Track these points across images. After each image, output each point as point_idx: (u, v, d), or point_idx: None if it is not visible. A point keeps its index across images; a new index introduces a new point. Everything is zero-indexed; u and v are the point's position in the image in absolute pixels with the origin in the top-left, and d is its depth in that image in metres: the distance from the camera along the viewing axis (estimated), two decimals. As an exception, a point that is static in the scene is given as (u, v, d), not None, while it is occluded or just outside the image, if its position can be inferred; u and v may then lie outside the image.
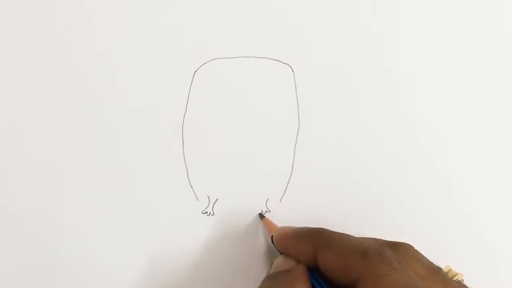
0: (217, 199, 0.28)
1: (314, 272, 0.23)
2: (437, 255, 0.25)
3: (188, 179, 0.28)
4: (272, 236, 0.26)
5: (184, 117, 0.28)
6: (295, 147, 0.29)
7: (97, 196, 0.28)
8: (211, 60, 0.29)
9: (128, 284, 0.28)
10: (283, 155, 0.29)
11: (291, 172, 0.29)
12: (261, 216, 0.28)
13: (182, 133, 0.28)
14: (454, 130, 0.30)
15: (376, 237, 0.24)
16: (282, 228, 0.26)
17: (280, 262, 0.25)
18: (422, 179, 0.30)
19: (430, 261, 0.22)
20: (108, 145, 0.28)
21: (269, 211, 0.29)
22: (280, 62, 0.29)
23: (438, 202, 0.30)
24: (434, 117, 0.30)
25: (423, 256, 0.23)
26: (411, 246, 0.23)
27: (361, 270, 0.20)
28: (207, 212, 0.28)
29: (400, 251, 0.22)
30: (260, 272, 0.28)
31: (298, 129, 0.29)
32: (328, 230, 0.24)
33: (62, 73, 0.28)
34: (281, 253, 0.25)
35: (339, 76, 0.29)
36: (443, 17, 0.30)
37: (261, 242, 0.29)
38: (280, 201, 0.29)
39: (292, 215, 0.29)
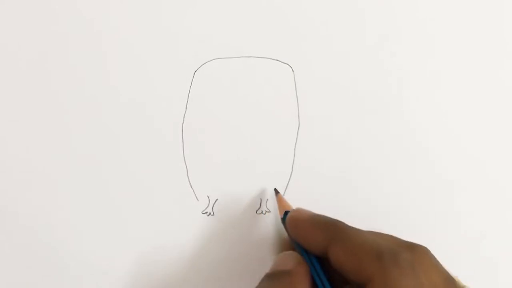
0: (217, 199, 0.29)
1: (318, 266, 0.23)
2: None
3: (188, 179, 0.28)
4: (283, 216, 0.26)
5: (184, 117, 0.28)
6: (295, 147, 0.29)
7: (97, 196, 0.28)
8: (211, 60, 0.29)
9: (128, 283, 0.28)
10: (283, 155, 0.29)
11: (291, 172, 0.29)
12: (276, 192, 0.28)
13: (182, 133, 0.28)
14: (454, 131, 0.30)
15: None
16: (298, 210, 0.25)
17: (281, 260, 0.24)
18: (422, 178, 0.30)
19: (445, 269, 0.21)
20: (108, 145, 0.28)
21: (269, 211, 0.29)
22: (280, 62, 0.29)
23: (437, 201, 0.30)
24: (434, 115, 0.30)
25: (439, 262, 0.22)
26: (428, 250, 0.22)
27: (373, 272, 0.20)
28: (207, 212, 0.28)
29: (417, 254, 0.21)
30: (259, 272, 0.28)
31: (298, 129, 0.29)
32: (344, 223, 0.23)
33: (62, 73, 0.28)
34: (289, 235, 0.25)
35: (339, 76, 0.29)
36: (443, 19, 0.30)
37: (261, 242, 0.29)
38: (280, 201, 0.29)
39: (292, 215, 0.29)
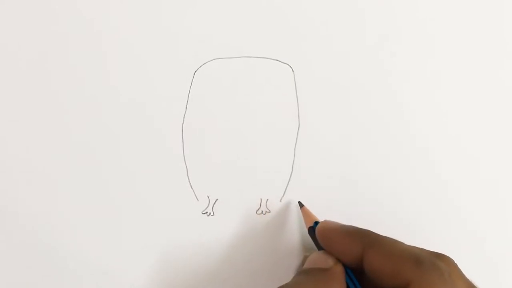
0: (217, 199, 0.28)
1: (350, 272, 0.23)
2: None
3: (188, 179, 0.28)
4: (310, 227, 0.26)
5: (184, 117, 0.28)
6: (295, 147, 0.29)
7: (97, 196, 0.28)
8: (211, 60, 0.29)
9: (128, 283, 0.28)
10: (283, 155, 0.29)
11: (291, 172, 0.29)
12: (301, 204, 0.28)
13: (182, 133, 0.28)
14: (454, 131, 0.30)
15: None
16: (327, 222, 0.26)
17: (317, 258, 0.24)
18: (422, 179, 0.30)
19: (468, 278, 0.22)
20: (108, 145, 0.28)
21: (269, 211, 0.29)
22: (280, 62, 0.29)
23: (437, 201, 0.30)
24: (434, 115, 0.30)
25: (462, 271, 0.22)
26: (453, 260, 0.22)
27: (412, 277, 0.20)
28: (207, 212, 0.28)
29: (446, 263, 0.22)
30: (260, 271, 0.28)
31: (298, 129, 0.29)
32: (375, 232, 0.24)
33: (62, 73, 0.28)
34: (317, 245, 0.25)
35: (339, 76, 0.29)
36: (443, 19, 0.30)
37: (261, 242, 0.29)
38: (280, 201, 0.29)
39: (292, 215, 0.29)
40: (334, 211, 0.29)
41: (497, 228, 0.30)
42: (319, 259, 0.24)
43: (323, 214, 0.28)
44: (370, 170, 0.29)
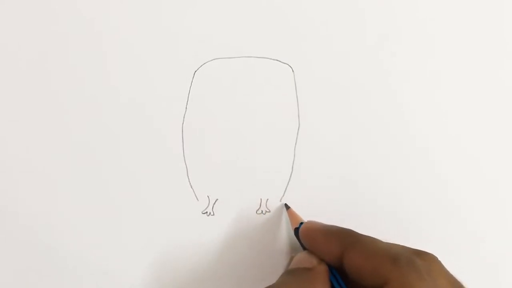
0: (217, 199, 0.29)
1: (335, 271, 0.24)
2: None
3: (188, 179, 0.28)
4: (296, 228, 0.26)
5: (184, 117, 0.28)
6: (295, 147, 0.29)
7: (97, 196, 0.28)
8: (211, 60, 0.29)
9: (128, 284, 0.28)
10: (283, 155, 0.29)
11: (291, 172, 0.29)
12: (287, 206, 0.28)
13: (182, 133, 0.28)
14: (454, 131, 0.30)
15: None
16: (310, 222, 0.26)
17: (302, 258, 0.25)
18: (422, 179, 0.30)
19: (452, 275, 0.22)
20: (108, 145, 0.28)
21: (269, 211, 0.29)
22: (280, 62, 0.29)
23: (437, 201, 0.30)
24: (434, 115, 0.30)
25: (446, 269, 0.22)
26: (436, 257, 0.22)
27: (390, 275, 0.21)
28: (207, 212, 0.28)
29: (428, 261, 0.22)
30: (259, 271, 0.28)
31: (298, 129, 0.29)
32: (356, 232, 0.24)
33: (62, 73, 0.28)
34: (302, 246, 0.25)
35: (339, 76, 0.29)
36: (443, 19, 0.30)
37: (261, 242, 0.29)
38: (280, 201, 0.29)
39: (292, 215, 0.29)
40: (334, 211, 0.29)
41: (497, 228, 0.30)
42: (303, 259, 0.24)
43: (323, 214, 0.29)
44: (370, 170, 0.29)
